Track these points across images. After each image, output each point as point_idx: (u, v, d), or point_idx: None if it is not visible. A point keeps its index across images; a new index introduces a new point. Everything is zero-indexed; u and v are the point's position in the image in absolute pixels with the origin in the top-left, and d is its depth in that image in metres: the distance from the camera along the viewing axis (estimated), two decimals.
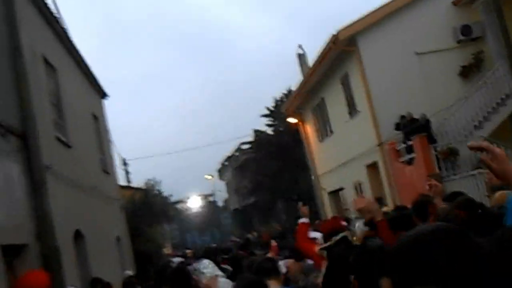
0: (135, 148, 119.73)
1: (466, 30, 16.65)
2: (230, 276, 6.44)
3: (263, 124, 39.08)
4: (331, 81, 20.35)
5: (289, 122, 27.24)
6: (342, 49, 17.63)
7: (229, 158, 50.36)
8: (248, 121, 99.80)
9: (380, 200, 17.54)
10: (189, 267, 6.07)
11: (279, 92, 37.53)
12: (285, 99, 32.87)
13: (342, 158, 20.39)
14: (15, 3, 9.83)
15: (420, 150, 14.84)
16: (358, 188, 19.76)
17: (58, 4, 14.34)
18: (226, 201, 56.29)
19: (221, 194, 56.51)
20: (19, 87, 9.72)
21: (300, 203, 7.03)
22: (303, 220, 6.71)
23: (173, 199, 38.55)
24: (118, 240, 18.14)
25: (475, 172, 12.83)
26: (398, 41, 16.84)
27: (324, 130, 22.64)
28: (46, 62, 12.74)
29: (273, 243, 10.03)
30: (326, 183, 23.31)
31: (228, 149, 49.68)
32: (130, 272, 13.99)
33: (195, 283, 5.21)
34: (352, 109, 19.01)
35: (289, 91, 32.57)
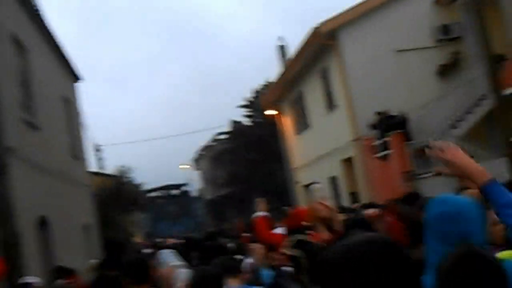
0: (112, 134, 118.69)
1: (445, 29, 16.60)
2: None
3: (241, 115, 38.84)
4: (310, 74, 20.15)
5: (267, 114, 26.98)
6: (323, 42, 17.40)
7: (205, 148, 49.98)
8: (226, 112, 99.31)
9: (354, 195, 17.47)
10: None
11: (258, 84, 37.29)
12: (264, 91, 32.62)
13: (318, 152, 20.23)
14: None
15: (395, 146, 14.73)
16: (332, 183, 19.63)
17: None
18: (200, 191, 55.93)
19: (196, 184, 56.16)
20: None
21: (258, 199, 6.69)
22: (260, 214, 6.40)
23: (147, 187, 38.21)
24: (86, 228, 17.76)
25: None
26: (378, 37, 16.71)
27: (302, 123, 22.44)
28: (16, 41, 12.31)
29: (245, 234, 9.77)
30: (302, 177, 23.13)
31: (205, 139, 49.30)
32: (94, 261, 13.60)
33: (153, 274, 4.99)
34: (330, 103, 18.83)
35: (268, 83, 32.31)
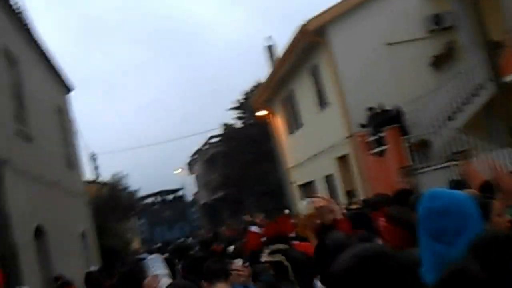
0: (105, 143, 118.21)
1: (437, 19, 16.42)
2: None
3: (232, 117, 38.74)
4: (300, 72, 20.02)
5: (258, 115, 26.85)
6: (311, 40, 17.26)
7: (198, 152, 49.83)
8: (218, 115, 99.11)
9: (351, 193, 17.35)
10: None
11: (248, 85, 37.20)
12: (254, 92, 32.52)
13: (312, 150, 20.09)
14: None
15: (391, 142, 14.61)
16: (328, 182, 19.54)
17: None
18: (195, 195, 55.73)
19: (191, 188, 55.97)
20: None
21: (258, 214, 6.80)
22: (254, 229, 6.44)
23: (142, 193, 38.01)
24: (83, 236, 17.64)
25: (447, 164, 12.64)
26: (368, 31, 16.54)
27: (294, 123, 22.32)
28: (7, 53, 12.19)
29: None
30: (296, 177, 23.03)
31: (198, 143, 49.13)
32: (94, 268, 13.49)
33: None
34: (322, 101, 18.71)
35: (258, 84, 32.22)
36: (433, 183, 11.94)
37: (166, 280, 5.00)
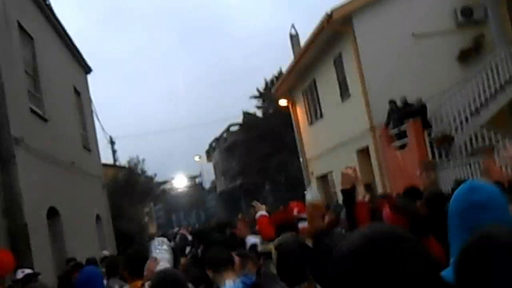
0: (125, 127, 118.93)
1: (466, 12, 15.98)
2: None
3: (253, 106, 38.52)
4: (323, 62, 19.69)
5: (279, 105, 26.58)
6: (336, 28, 16.93)
7: (217, 140, 49.73)
8: (239, 103, 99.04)
9: (369, 187, 17.04)
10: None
11: (270, 74, 36.90)
12: (276, 81, 32.22)
13: (332, 142, 19.79)
14: None
15: (413, 135, 14.27)
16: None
17: None
18: (213, 182, 55.76)
19: (209, 175, 56.03)
20: None
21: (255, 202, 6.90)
22: (262, 213, 6.52)
23: (159, 179, 38.05)
24: (98, 219, 17.56)
25: (470, 160, 12.29)
26: (395, 21, 16.14)
27: (315, 113, 22.03)
28: (22, 29, 12.03)
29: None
30: (315, 167, 22.76)
31: (217, 131, 49.04)
32: (107, 252, 13.39)
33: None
34: (344, 91, 18.40)
35: (280, 73, 31.90)
36: (454, 178, 11.64)
37: (164, 264, 4.93)
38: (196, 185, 57.23)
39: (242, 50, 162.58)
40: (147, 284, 4.48)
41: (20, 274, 7.45)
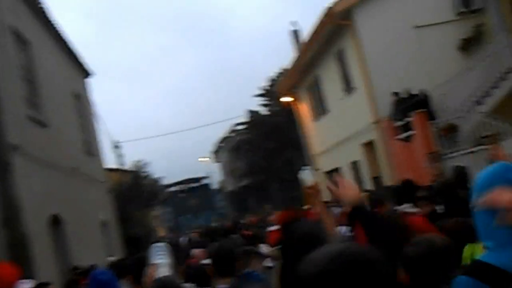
0: (130, 131, 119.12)
1: (466, 1, 15.85)
2: None
3: (258, 104, 38.35)
4: (325, 57, 19.54)
5: (283, 102, 26.41)
6: (337, 23, 16.77)
7: (224, 140, 49.61)
8: (243, 102, 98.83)
9: (378, 180, 16.88)
10: None
11: (273, 72, 36.73)
12: (279, 78, 32.05)
13: (337, 137, 19.66)
14: None
15: (419, 127, 14.09)
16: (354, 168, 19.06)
17: None
18: (221, 183, 55.64)
19: (216, 176, 55.92)
20: None
21: (269, 206, 6.81)
22: (273, 228, 6.47)
23: (166, 181, 37.98)
24: (104, 225, 17.41)
25: (475, 149, 12.08)
26: (395, 14, 16.00)
27: (319, 109, 21.87)
28: (17, 35, 11.89)
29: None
30: (322, 163, 22.58)
31: (223, 131, 48.90)
32: (113, 259, 13.24)
33: None
34: (347, 86, 18.23)
35: (284, 70, 31.71)
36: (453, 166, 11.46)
37: (165, 269, 4.96)
38: (204, 186, 57.13)
39: (244, 49, 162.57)
40: None
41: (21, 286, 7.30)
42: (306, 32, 20.77)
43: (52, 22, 14.86)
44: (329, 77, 19.84)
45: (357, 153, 18.52)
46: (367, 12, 16.21)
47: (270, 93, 35.02)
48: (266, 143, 34.20)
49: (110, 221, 18.61)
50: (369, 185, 17.30)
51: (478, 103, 13.65)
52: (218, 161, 54.02)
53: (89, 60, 18.45)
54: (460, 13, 16.00)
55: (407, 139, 14.80)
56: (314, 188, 4.25)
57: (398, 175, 15.01)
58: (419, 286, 2.55)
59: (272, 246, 6.58)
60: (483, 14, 15.82)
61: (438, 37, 15.80)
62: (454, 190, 6.24)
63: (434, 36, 15.79)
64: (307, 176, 4.44)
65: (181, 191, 56.09)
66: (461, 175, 10.58)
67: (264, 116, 37.37)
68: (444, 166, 12.35)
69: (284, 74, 28.82)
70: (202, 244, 11.45)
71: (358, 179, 18.64)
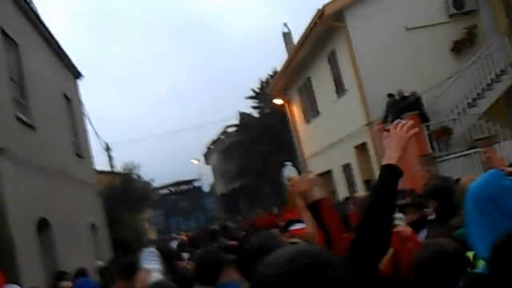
0: (121, 134, 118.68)
1: (458, 3, 15.81)
2: None
3: (249, 107, 38.23)
4: (317, 59, 19.44)
5: (275, 104, 26.28)
6: (329, 25, 16.67)
7: (214, 142, 49.43)
8: (234, 104, 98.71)
9: (370, 183, 16.76)
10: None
11: (265, 74, 36.60)
12: (271, 80, 31.93)
13: (329, 139, 19.56)
14: None
15: (411, 129, 13.96)
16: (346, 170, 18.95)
17: None
18: (212, 185, 55.43)
19: (208, 178, 55.70)
20: None
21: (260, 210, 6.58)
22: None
23: (157, 184, 37.71)
24: (93, 228, 17.19)
25: (469, 151, 12.00)
26: (387, 16, 15.89)
27: (311, 111, 21.76)
28: (5, 35, 11.69)
29: None
30: (314, 166, 22.46)
31: (214, 133, 48.72)
32: (101, 263, 13.03)
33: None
34: (339, 88, 18.13)
35: (275, 72, 31.60)
36: (455, 171, 11.36)
37: (157, 275, 4.84)
38: (195, 189, 56.91)
39: (236, 51, 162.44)
40: None
41: None
42: (297, 34, 20.69)
43: (41, 23, 14.67)
44: (321, 79, 19.74)
45: (349, 156, 18.43)
46: (359, 14, 16.11)
47: (262, 95, 34.91)
48: (258, 146, 34.07)
49: (100, 224, 18.40)
50: (360, 188, 17.19)
51: (471, 105, 13.61)
52: (209, 164, 53.82)
53: (80, 63, 18.24)
54: (452, 15, 15.96)
55: None
56: (295, 183, 4.12)
57: None
58: None
59: None
60: (475, 16, 15.81)
61: (430, 39, 15.73)
62: (444, 196, 6.10)
63: (426, 38, 15.72)
64: (290, 173, 4.29)
65: (172, 194, 55.84)
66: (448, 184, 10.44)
67: (256, 118, 37.25)
68: (437, 170, 12.25)
69: (275, 76, 28.71)
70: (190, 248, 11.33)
71: (350, 182, 18.53)
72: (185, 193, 56.21)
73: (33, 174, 11.57)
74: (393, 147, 2.39)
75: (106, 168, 27.03)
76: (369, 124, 16.07)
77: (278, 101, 25.24)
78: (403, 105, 14.48)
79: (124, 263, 5.37)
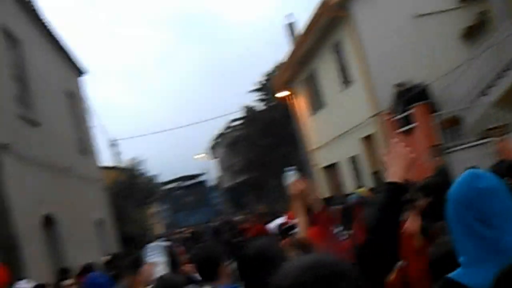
0: (126, 129, 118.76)
1: None
2: None
3: (254, 100, 37.98)
4: (322, 50, 19.19)
5: (279, 96, 26.03)
6: (334, 14, 16.41)
7: (220, 136, 49.26)
8: (239, 98, 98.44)
9: (378, 175, 16.55)
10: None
11: (269, 66, 36.36)
12: (275, 73, 31.69)
13: (335, 131, 19.32)
14: None
15: (420, 119, 13.74)
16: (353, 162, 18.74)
17: None
18: (218, 179, 55.32)
19: (213, 173, 55.64)
20: None
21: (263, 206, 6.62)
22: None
23: (163, 178, 37.68)
24: (99, 224, 17.08)
25: (480, 142, 11.74)
26: (394, 3, 15.63)
27: (316, 103, 21.53)
28: (7, 33, 11.55)
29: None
30: (320, 159, 22.26)
31: (220, 127, 48.54)
32: (108, 257, 12.92)
33: None
34: (345, 79, 17.89)
35: (280, 64, 31.34)
36: (466, 162, 11.10)
37: (162, 268, 4.96)
38: (200, 183, 56.85)
39: (240, 44, 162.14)
40: None
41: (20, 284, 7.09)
42: (302, 25, 20.46)
43: (44, 20, 14.52)
44: (326, 70, 19.50)
45: (356, 148, 18.20)
46: (365, 2, 15.81)
47: (266, 88, 34.66)
48: (263, 139, 33.85)
49: (106, 220, 18.29)
50: (368, 180, 16.99)
51: (483, 93, 13.28)
52: (214, 158, 53.68)
53: (84, 57, 18.08)
54: (462, 1, 15.61)
55: (408, 133, 14.47)
56: (298, 188, 3.99)
57: None
58: None
59: None
60: (485, 1, 15.42)
61: (439, 25, 15.37)
62: (439, 190, 5.89)
63: (435, 25, 15.37)
64: (291, 179, 4.23)
65: (178, 188, 55.77)
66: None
67: (261, 111, 37.01)
68: (447, 161, 12.01)
69: (280, 68, 28.48)
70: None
71: (357, 174, 18.33)
72: (191, 187, 56.14)
73: (38, 171, 11.44)
74: (397, 165, 2.41)
75: (112, 163, 26.97)
76: (376, 115, 15.84)
77: (283, 94, 25.00)
78: (411, 95, 14.25)
79: (129, 259, 5.48)
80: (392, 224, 2.28)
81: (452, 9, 15.60)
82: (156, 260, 5.09)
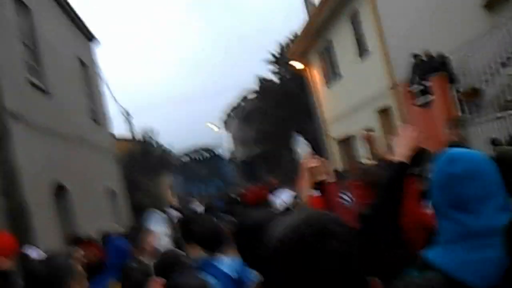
0: (141, 100, 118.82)
1: None
2: None
3: (268, 71, 37.63)
4: (339, 20, 18.81)
5: (294, 68, 25.68)
6: None
7: (234, 108, 49.05)
8: (253, 68, 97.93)
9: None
10: None
11: (284, 37, 35.92)
12: (290, 44, 31.27)
13: (351, 103, 19.02)
14: None
15: (438, 91, 13.38)
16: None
17: None
18: (231, 152, 55.29)
19: (227, 144, 55.61)
20: None
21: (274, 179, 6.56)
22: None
23: (177, 150, 37.66)
24: (111, 194, 17.02)
25: (501, 114, 11.42)
26: None
27: (332, 75, 21.20)
28: (17, 1, 11.35)
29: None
30: (335, 131, 22.00)
31: (234, 99, 48.29)
32: (118, 227, 12.87)
33: None
34: (362, 49, 17.54)
35: (295, 36, 30.88)
36: (486, 135, 10.83)
37: (164, 238, 5.04)
38: (214, 155, 56.95)
39: (254, 14, 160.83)
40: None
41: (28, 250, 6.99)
42: None
43: None
44: (342, 41, 19.14)
45: (372, 120, 17.89)
46: None
47: (281, 59, 34.27)
48: (277, 111, 33.59)
49: (118, 190, 18.24)
50: (384, 154, 16.71)
51: (504, 65, 12.86)
52: (229, 130, 53.56)
53: (96, 27, 17.85)
54: None
55: (426, 105, 14.13)
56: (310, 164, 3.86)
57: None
58: None
59: None
60: None
61: None
62: None
63: None
64: (301, 145, 4.14)
65: (192, 160, 55.97)
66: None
67: (275, 83, 36.68)
68: (467, 133, 11.70)
69: (295, 39, 28.04)
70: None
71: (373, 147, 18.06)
72: (205, 159, 56.29)
73: (48, 140, 11.31)
74: (403, 146, 2.64)
75: (125, 134, 26.89)
76: (393, 86, 15.50)
77: (298, 65, 24.65)
78: (429, 66, 13.87)
79: (131, 228, 5.58)
80: (393, 202, 2.44)
81: None
82: (158, 229, 5.11)
